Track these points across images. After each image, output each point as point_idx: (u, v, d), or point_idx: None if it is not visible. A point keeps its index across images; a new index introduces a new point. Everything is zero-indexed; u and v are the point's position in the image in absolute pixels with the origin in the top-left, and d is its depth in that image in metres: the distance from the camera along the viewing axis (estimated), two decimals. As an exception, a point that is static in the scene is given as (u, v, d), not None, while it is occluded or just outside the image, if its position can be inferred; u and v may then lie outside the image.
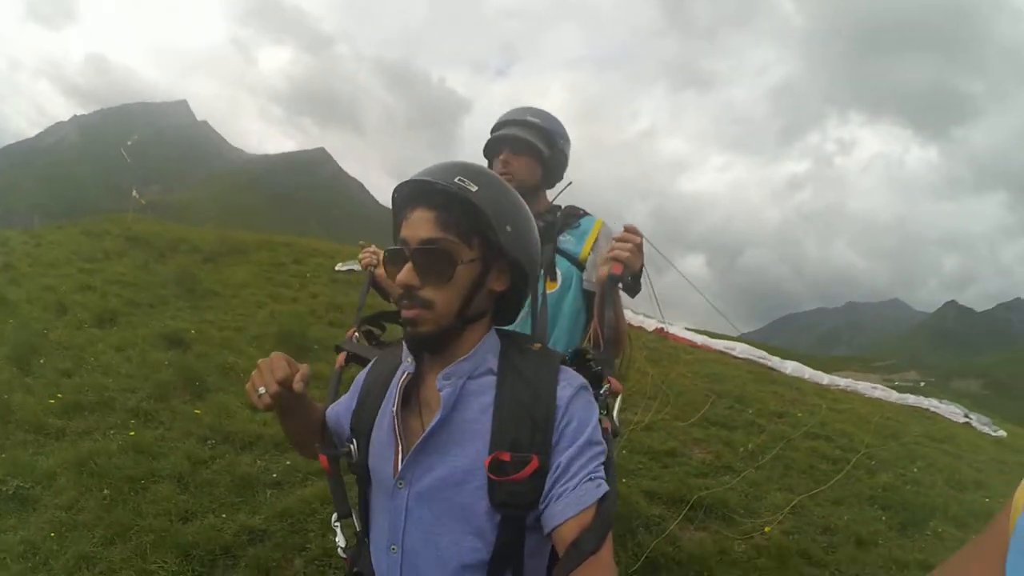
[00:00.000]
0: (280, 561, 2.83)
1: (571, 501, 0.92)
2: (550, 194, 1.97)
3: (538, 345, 1.12)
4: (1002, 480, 6.59)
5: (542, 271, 1.71)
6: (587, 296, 1.78)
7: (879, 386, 12.73)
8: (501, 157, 1.86)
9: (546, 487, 0.95)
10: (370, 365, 1.25)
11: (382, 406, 1.12)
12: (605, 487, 0.95)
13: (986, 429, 10.23)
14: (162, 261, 9.56)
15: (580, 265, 1.82)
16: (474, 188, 1.01)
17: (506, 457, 0.95)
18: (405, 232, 1.04)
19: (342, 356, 1.69)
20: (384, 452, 1.07)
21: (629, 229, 1.42)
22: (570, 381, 1.04)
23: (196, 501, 3.15)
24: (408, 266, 1.02)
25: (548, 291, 1.75)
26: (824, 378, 11.82)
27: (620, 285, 1.41)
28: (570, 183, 1.96)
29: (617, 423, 1.16)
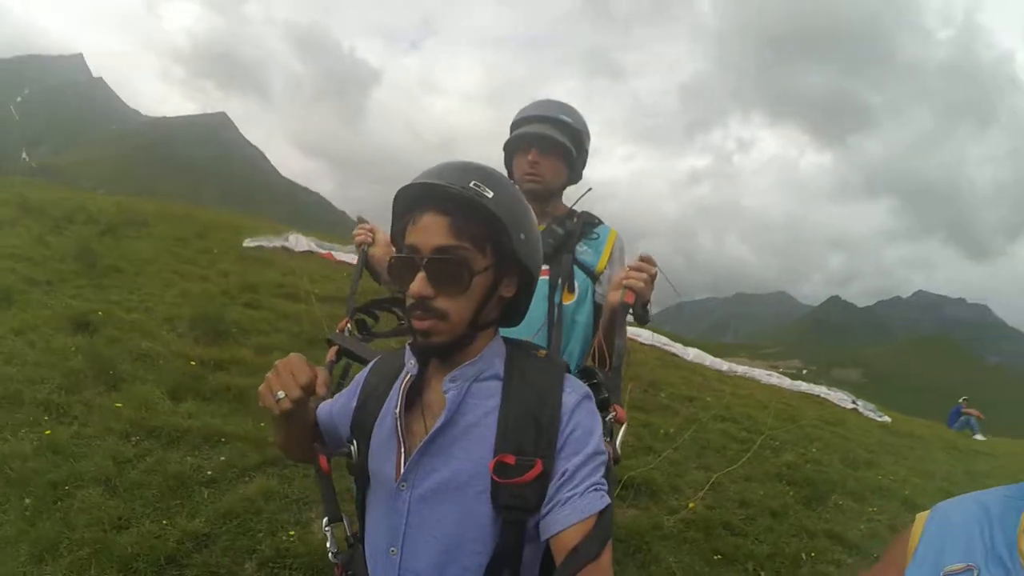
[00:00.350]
0: (230, 566, 2.67)
1: (576, 508, 0.93)
2: (567, 199, 1.89)
3: (543, 352, 1.12)
4: (891, 460, 7.45)
5: (561, 281, 1.68)
6: (598, 309, 1.74)
7: (774, 373, 13.91)
8: (529, 157, 1.74)
9: (549, 492, 0.95)
10: (371, 365, 1.21)
11: (383, 408, 1.10)
12: (607, 499, 0.96)
13: (872, 415, 11.47)
14: (58, 233, 8.66)
15: (595, 278, 1.76)
16: (490, 194, 0.98)
17: (510, 460, 0.95)
18: (414, 238, 1.00)
19: (333, 350, 1.59)
20: (385, 454, 1.05)
21: (645, 259, 1.41)
22: (575, 389, 1.04)
23: (128, 506, 2.89)
24: (421, 276, 0.97)
25: (565, 303, 1.69)
26: (724, 365, 12.77)
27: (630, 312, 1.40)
28: (590, 189, 1.87)
29: (619, 451, 1.17)
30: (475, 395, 1.03)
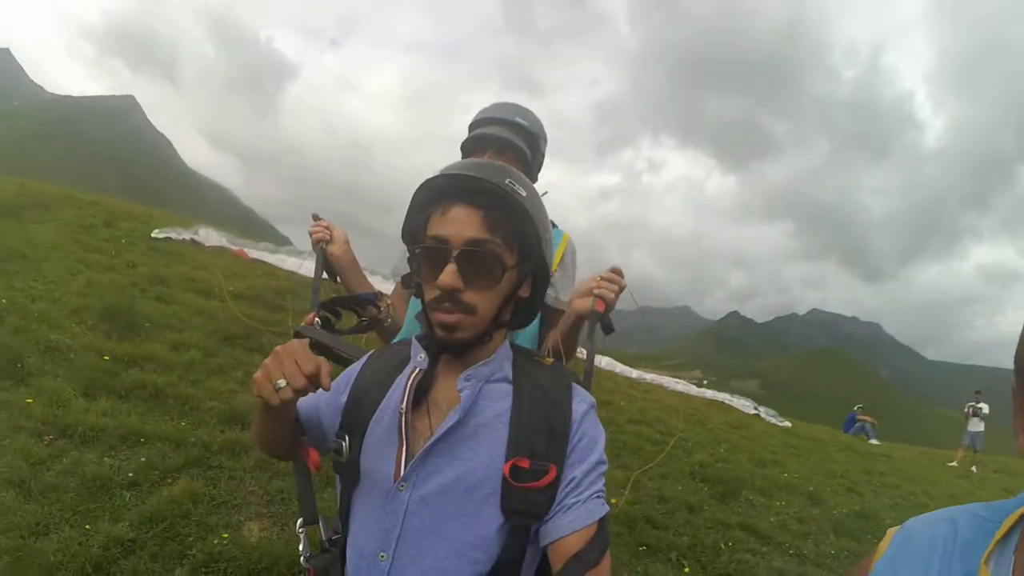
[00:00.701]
0: (161, 573, 2.55)
1: (580, 515, 0.93)
2: None
3: (549, 359, 1.12)
4: (794, 460, 8.11)
5: None
6: (546, 309, 1.74)
7: (681, 381, 14.70)
8: (485, 158, 1.63)
9: (557, 498, 0.94)
10: (365, 359, 1.16)
11: (383, 403, 1.04)
12: (607, 507, 0.97)
13: (773, 420, 12.33)
14: (-45, 213, 7.87)
15: None
16: (524, 193, 0.97)
17: (525, 464, 0.93)
18: (442, 230, 0.97)
19: (304, 343, 1.53)
20: (383, 452, 0.99)
21: (616, 271, 1.45)
22: (583, 397, 1.04)
23: (46, 511, 2.68)
24: (452, 268, 0.94)
25: None
26: (633, 373, 13.38)
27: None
28: (546, 192, 1.91)
29: None
30: (486, 396, 1.00)
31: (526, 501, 0.93)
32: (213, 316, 6.29)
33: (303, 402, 1.11)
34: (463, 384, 1.00)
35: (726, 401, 13.07)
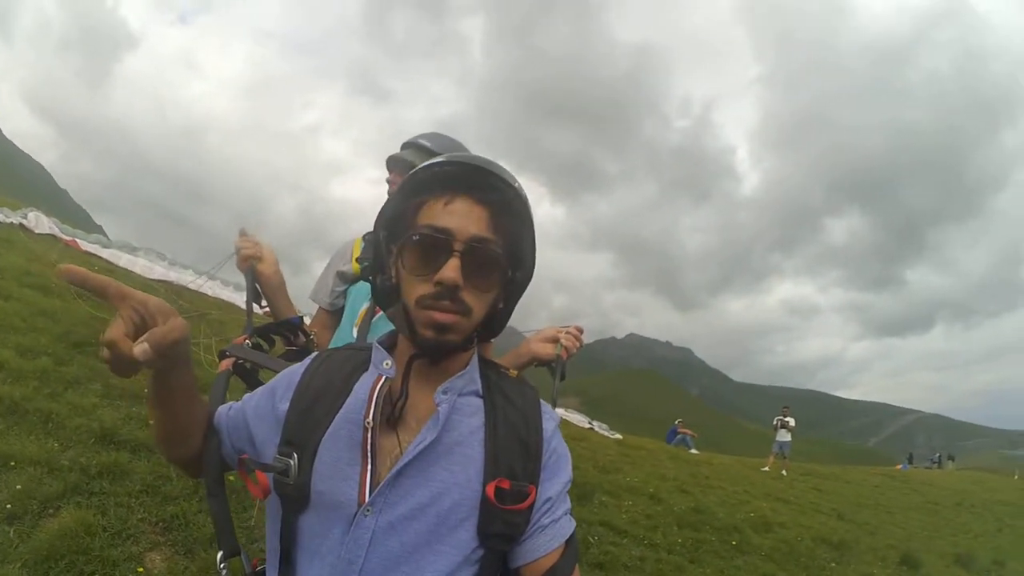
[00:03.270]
0: None
1: (554, 535, 0.91)
2: None
3: (514, 372, 1.06)
4: (631, 467, 9.35)
5: None
6: None
7: None
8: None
9: (532, 519, 0.91)
10: (309, 363, 1.02)
11: (338, 415, 0.91)
12: (574, 521, 0.96)
13: (606, 432, 13.69)
14: None
15: None
16: (527, 198, 0.94)
17: (506, 485, 0.88)
18: (444, 221, 0.89)
19: (228, 362, 1.35)
20: (343, 472, 0.88)
21: (580, 330, 1.63)
22: (551, 415, 1.01)
23: None
24: (455, 262, 0.87)
25: None
26: None
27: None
28: None
29: None
30: (459, 411, 0.93)
31: (506, 524, 0.88)
32: (57, 317, 5.58)
33: (224, 414, 1.03)
34: (440, 398, 0.92)
35: (562, 415, 14.16)
